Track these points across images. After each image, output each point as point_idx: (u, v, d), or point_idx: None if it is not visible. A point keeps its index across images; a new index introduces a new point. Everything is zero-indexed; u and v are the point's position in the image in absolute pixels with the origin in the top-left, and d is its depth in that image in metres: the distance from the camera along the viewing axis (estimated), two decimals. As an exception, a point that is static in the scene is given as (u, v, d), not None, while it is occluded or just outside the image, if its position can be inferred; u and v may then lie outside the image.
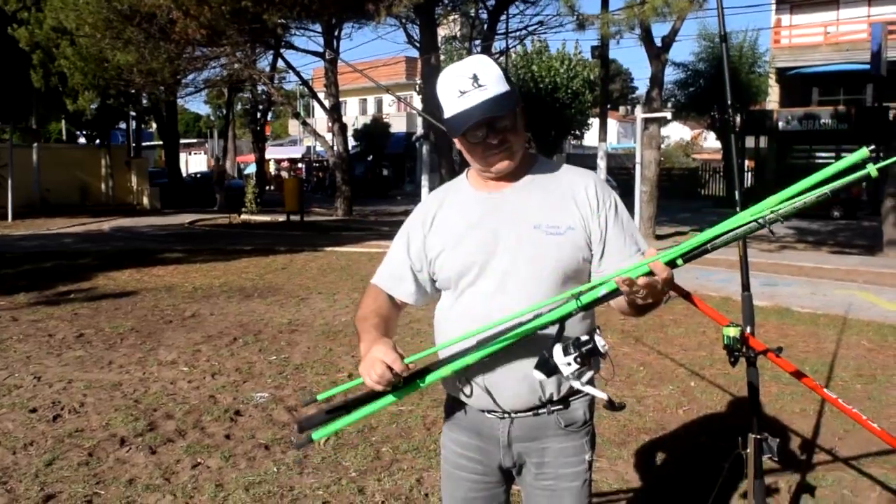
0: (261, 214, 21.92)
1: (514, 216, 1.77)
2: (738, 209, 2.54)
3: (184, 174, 34.60)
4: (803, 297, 9.05)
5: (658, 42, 15.34)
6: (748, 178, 33.11)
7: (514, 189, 1.81)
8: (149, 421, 4.49)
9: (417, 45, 20.47)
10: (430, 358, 1.77)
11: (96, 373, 5.57)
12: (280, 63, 25.34)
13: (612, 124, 52.06)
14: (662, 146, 37.69)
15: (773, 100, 31.32)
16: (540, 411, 1.79)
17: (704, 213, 25.08)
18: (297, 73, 24.19)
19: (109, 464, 3.85)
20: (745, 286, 2.61)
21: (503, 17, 20.92)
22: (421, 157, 20.86)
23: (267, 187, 34.76)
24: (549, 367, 1.63)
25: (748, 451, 2.58)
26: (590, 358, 1.61)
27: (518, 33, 22.46)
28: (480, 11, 22.19)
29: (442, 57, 25.85)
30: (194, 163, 54.35)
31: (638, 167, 13.26)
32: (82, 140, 31.63)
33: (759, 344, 2.46)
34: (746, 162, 34.24)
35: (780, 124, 29.67)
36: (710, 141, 49.41)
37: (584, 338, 1.61)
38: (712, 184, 37.12)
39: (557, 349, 1.62)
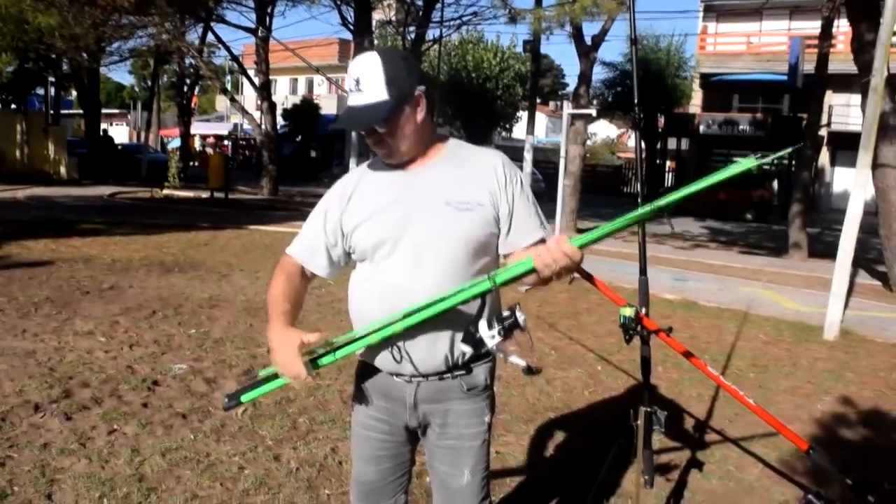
0: (184, 190, 21.49)
1: (426, 193, 1.89)
2: (639, 200, 2.76)
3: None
4: (710, 293, 9.52)
5: (588, 41, 15.73)
6: (669, 178, 34.24)
7: (426, 168, 1.94)
8: (64, 388, 4.48)
9: (351, 27, 20.36)
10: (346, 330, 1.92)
11: (9, 340, 5.48)
12: (210, 37, 24.84)
13: (542, 119, 52.78)
14: (589, 143, 38.51)
15: (695, 104, 32.45)
16: (445, 375, 1.94)
17: (625, 209, 25.48)
18: (227, 48, 23.79)
19: (23, 428, 3.85)
20: (643, 271, 2.83)
21: (438, 6, 21.03)
22: (350, 141, 20.82)
23: (191, 163, 34.00)
24: (474, 341, 1.82)
25: (638, 423, 2.82)
26: (512, 331, 1.79)
27: (452, 22, 22.61)
28: (416, -2, 22.25)
29: (376, 41, 25.76)
30: (116, 134, 52.56)
31: (562, 161, 13.57)
32: (-4, 104, 30.26)
33: (651, 324, 2.67)
34: (668, 162, 35.38)
35: (702, 128, 30.77)
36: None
37: (506, 313, 1.79)
38: (634, 182, 38.15)
39: (482, 324, 1.80)
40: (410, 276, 1.87)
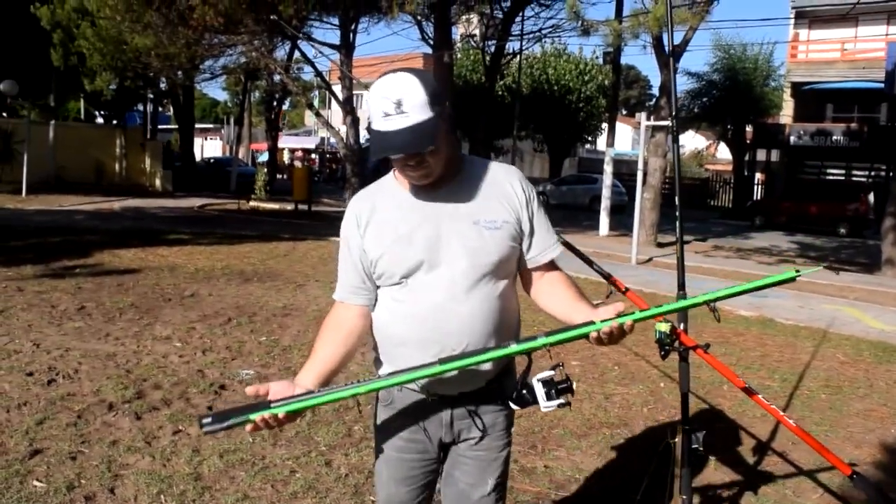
0: (270, 202, 22.19)
1: (453, 213, 1.90)
2: (678, 213, 2.75)
3: (198, 159, 35.05)
4: (789, 310, 9.21)
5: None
6: (758, 191, 33.20)
7: (449, 189, 1.92)
8: (137, 390, 4.74)
9: (431, 42, 20.63)
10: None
11: (93, 343, 5.83)
12: (297, 53, 25.53)
13: (627, 130, 52.06)
14: (675, 154, 37.75)
15: (786, 114, 31.35)
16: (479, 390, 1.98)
17: (710, 224, 25.19)
18: (312, 65, 24.24)
19: (96, 426, 4.09)
20: (681, 286, 2.81)
21: (518, 19, 21.08)
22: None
23: (278, 175, 35.07)
24: (525, 403, 1.87)
25: (676, 440, 2.79)
26: (564, 394, 1.84)
27: (532, 35, 22.61)
28: (496, 11, 22.34)
29: (458, 55, 25.99)
30: (209, 148, 54.89)
31: (640, 174, 13.39)
32: (100, 120, 32.00)
33: (689, 340, 2.66)
34: (757, 175, 34.31)
35: (792, 139, 29.71)
36: (725, 152, 49.49)
37: (559, 378, 1.84)
38: (722, 195, 37.17)
39: (539, 390, 1.83)
40: (449, 296, 1.87)
